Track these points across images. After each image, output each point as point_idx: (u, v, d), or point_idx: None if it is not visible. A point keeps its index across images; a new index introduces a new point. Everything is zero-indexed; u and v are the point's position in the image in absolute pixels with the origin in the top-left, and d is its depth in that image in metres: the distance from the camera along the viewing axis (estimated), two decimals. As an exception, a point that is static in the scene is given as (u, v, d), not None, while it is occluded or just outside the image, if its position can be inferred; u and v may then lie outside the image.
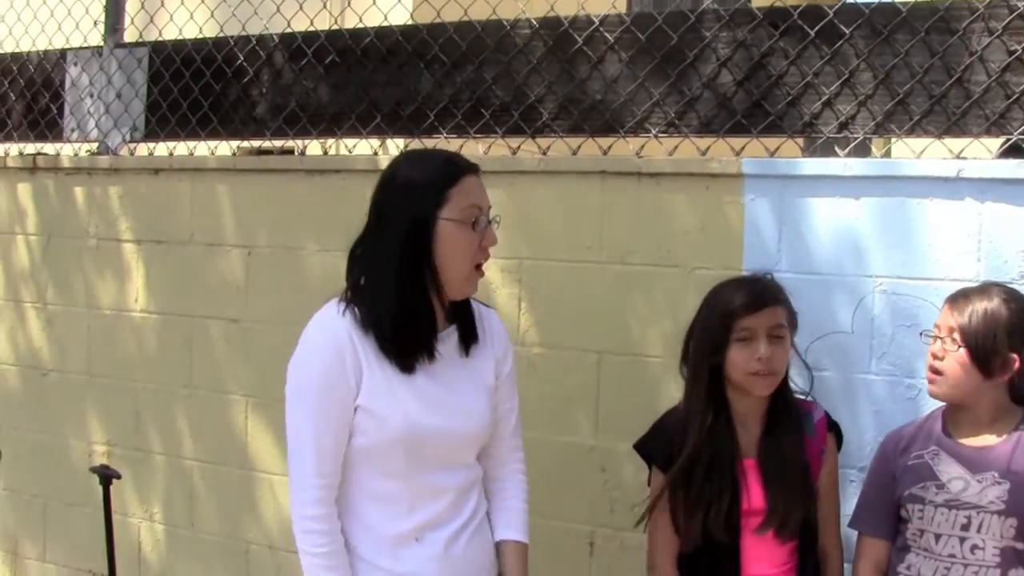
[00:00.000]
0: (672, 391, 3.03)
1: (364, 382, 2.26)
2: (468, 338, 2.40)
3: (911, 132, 2.90)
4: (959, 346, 2.39)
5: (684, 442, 2.55)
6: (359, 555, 2.30)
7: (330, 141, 3.61)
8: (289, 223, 3.59)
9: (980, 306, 2.40)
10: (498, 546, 2.46)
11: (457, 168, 2.31)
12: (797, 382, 2.69)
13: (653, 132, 3.15)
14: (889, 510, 2.52)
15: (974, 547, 2.38)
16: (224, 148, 3.84)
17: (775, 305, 2.54)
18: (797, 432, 2.59)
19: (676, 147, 3.13)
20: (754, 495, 2.54)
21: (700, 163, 3.03)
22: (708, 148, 3.11)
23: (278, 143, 3.71)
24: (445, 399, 2.33)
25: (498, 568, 2.45)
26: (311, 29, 3.62)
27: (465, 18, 3.39)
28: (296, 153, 3.67)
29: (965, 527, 2.38)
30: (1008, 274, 2.73)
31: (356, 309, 2.31)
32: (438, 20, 3.44)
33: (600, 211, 3.14)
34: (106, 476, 3.21)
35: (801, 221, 2.93)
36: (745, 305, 2.51)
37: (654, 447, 2.65)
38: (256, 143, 3.75)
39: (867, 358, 2.87)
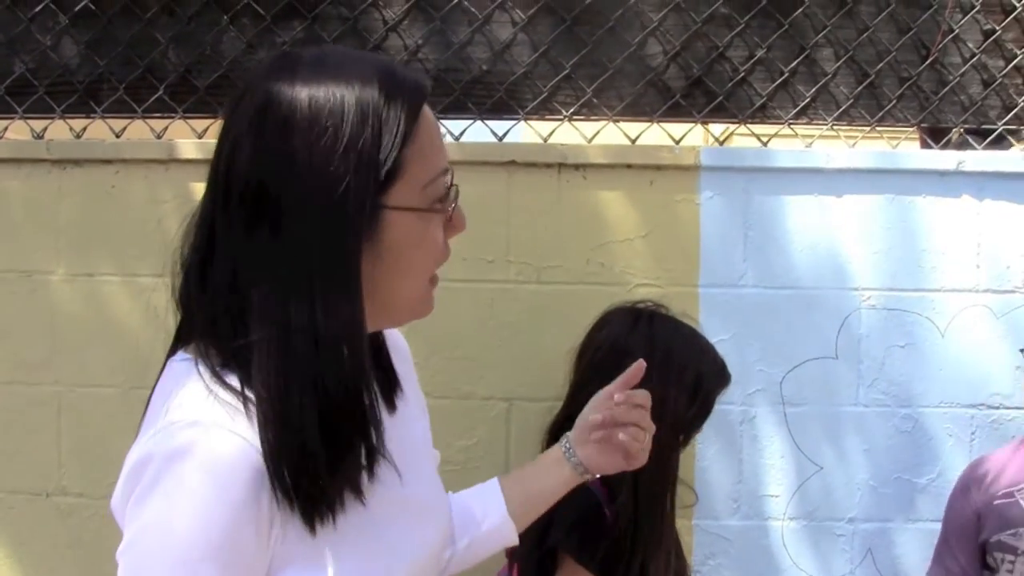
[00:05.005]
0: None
1: (283, 528, 1.17)
2: (391, 385, 1.42)
3: (882, 120, 2.46)
4: None
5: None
6: None
7: (84, 122, 2.54)
8: (23, 237, 2.48)
9: None
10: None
11: (414, 96, 1.22)
12: None
13: (564, 113, 2.46)
14: (970, 557, 2.03)
15: None
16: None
17: None
18: None
19: (596, 134, 2.45)
20: None
21: (645, 152, 2.37)
22: (639, 135, 2.46)
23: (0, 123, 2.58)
24: (409, 496, 1.33)
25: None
26: (49, -39, 2.55)
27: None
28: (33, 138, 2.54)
29: None
30: (1011, 281, 2.36)
31: (236, 376, 1.18)
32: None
33: (506, 214, 2.38)
34: None
35: (771, 224, 2.37)
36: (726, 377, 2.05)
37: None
38: (-41, 122, 2.57)
39: (854, 387, 2.37)
